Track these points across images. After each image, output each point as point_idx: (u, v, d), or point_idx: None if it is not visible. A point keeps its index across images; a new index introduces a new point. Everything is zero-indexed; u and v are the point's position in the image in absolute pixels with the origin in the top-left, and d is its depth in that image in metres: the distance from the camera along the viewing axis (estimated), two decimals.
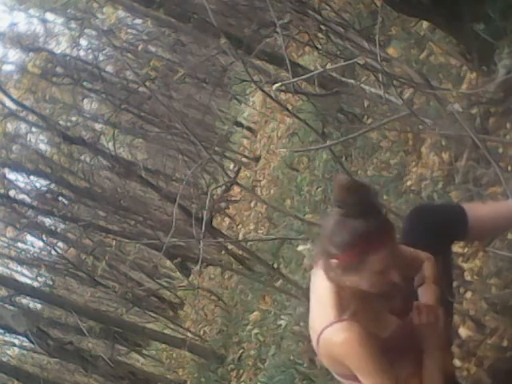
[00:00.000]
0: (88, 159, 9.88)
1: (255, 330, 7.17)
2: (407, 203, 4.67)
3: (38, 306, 11.41)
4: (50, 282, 12.16)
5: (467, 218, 2.64)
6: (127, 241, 9.06)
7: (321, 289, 2.30)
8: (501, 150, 3.72)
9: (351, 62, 3.71)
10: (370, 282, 2.19)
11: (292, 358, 5.58)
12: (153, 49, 11.64)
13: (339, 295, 2.24)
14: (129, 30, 10.64)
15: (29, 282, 12.59)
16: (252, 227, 10.26)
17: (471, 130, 2.67)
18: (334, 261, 2.17)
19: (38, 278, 12.25)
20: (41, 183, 10.02)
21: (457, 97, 4.05)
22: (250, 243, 8.98)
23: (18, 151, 10.31)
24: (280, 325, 6.28)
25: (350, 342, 2.17)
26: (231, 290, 9.68)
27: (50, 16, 12.96)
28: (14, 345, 11.65)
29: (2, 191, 9.39)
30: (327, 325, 2.22)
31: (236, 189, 11.92)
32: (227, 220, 12.32)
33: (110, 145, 8.78)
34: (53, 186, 9.83)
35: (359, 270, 2.16)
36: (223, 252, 8.69)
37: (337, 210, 2.16)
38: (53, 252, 10.68)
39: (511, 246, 3.21)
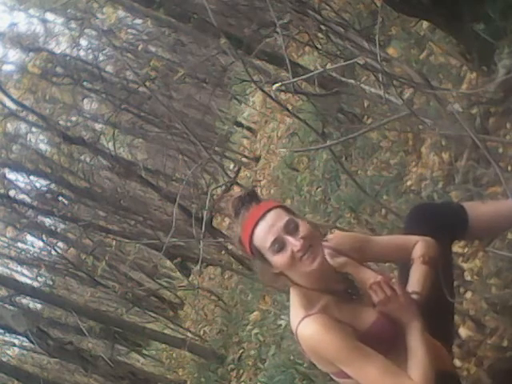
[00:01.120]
0: (88, 159, 9.88)
1: (255, 330, 7.17)
2: (407, 203, 4.67)
3: (38, 306, 11.42)
4: (50, 282, 12.16)
5: (467, 216, 2.64)
6: (127, 241, 9.07)
7: (291, 296, 2.31)
8: (501, 150, 3.72)
9: (351, 62, 3.71)
10: (303, 271, 2.21)
11: (292, 358, 5.57)
12: (153, 49, 11.65)
13: (306, 295, 2.25)
14: (129, 30, 10.64)
15: (29, 282, 12.59)
16: None
17: (471, 130, 2.67)
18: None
19: (38, 278, 12.24)
20: (41, 183, 10.03)
21: (457, 97, 4.05)
22: None
23: (18, 151, 10.31)
24: (280, 325, 6.28)
25: (319, 332, 2.16)
26: (231, 289, 9.68)
27: (50, 16, 12.99)
28: (14, 345, 11.65)
29: (2, 191, 9.39)
30: (298, 323, 2.22)
31: (236, 189, 11.92)
32: (227, 220, 12.32)
33: (110, 145, 8.79)
34: (53, 186, 9.83)
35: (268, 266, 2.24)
36: (223, 252, 8.69)
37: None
38: (53, 252, 10.69)
39: (511, 246, 3.21)
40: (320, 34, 5.18)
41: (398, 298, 2.24)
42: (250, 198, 2.28)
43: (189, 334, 9.24)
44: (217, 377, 8.09)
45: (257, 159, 12.52)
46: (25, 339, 8.55)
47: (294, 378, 5.31)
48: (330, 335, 2.15)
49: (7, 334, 10.09)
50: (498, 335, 3.00)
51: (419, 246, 2.47)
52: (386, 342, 2.22)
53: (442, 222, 2.57)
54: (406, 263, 2.49)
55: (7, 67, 11.45)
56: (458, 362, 2.97)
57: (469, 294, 3.32)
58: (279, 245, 2.18)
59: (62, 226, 11.55)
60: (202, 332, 9.66)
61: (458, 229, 2.65)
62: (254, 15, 6.39)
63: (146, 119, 11.18)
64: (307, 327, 2.19)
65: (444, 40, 4.65)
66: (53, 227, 11.20)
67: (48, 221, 11.24)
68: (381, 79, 3.85)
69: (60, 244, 11.95)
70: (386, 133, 5.44)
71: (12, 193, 9.65)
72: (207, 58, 7.40)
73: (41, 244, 12.10)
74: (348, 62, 3.99)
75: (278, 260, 2.20)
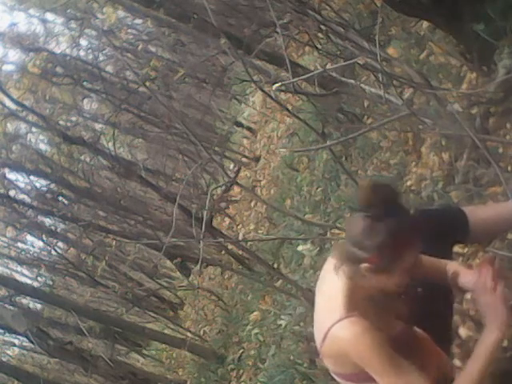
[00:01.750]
0: (88, 159, 9.87)
1: (255, 330, 7.16)
2: (407, 203, 4.67)
3: (38, 306, 11.40)
4: (50, 282, 12.16)
5: (468, 220, 2.65)
6: (127, 241, 9.07)
7: (333, 290, 2.28)
8: (501, 150, 3.72)
9: (351, 62, 3.71)
10: (398, 280, 2.19)
11: (292, 358, 5.57)
12: (153, 49, 11.64)
13: (351, 295, 2.23)
14: (129, 30, 10.64)
15: (29, 281, 12.59)
16: (252, 227, 10.26)
17: (471, 130, 2.67)
18: (365, 265, 2.15)
19: (38, 278, 12.25)
20: (41, 183, 10.02)
21: (457, 97, 4.05)
22: (249, 243, 8.98)
23: (18, 151, 10.29)
24: (280, 325, 6.28)
25: (359, 337, 2.15)
26: (231, 289, 9.68)
27: (50, 16, 12.97)
28: (14, 345, 11.66)
29: (2, 191, 9.38)
30: (335, 321, 2.21)
31: (236, 189, 11.93)
32: (227, 220, 12.32)
33: (110, 145, 8.78)
34: (53, 186, 9.82)
35: (389, 270, 2.17)
36: (223, 252, 8.69)
37: (362, 214, 2.16)
38: (53, 252, 10.68)
39: (511, 246, 3.21)
40: (320, 34, 5.18)
41: (498, 294, 2.22)
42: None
43: (189, 334, 9.24)
44: (217, 377, 8.09)
45: (257, 159, 12.52)
46: (25, 339, 8.55)
47: (294, 378, 5.31)
48: (369, 342, 2.15)
49: (7, 334, 10.08)
50: None
51: (452, 264, 2.49)
52: (404, 352, 2.22)
53: (443, 226, 2.58)
54: None
55: (7, 67, 11.44)
56: (457, 362, 2.97)
57: (469, 294, 3.32)
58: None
59: (61, 225, 11.54)
60: (202, 332, 9.66)
61: (458, 233, 2.66)
62: (254, 15, 6.39)
63: (146, 119, 11.18)
64: (346, 329, 2.18)
65: (444, 40, 4.65)
66: (53, 227, 11.18)
67: (48, 221, 11.23)
68: (381, 79, 3.86)
69: (60, 244, 11.95)
70: (386, 133, 5.44)
71: (12, 193, 9.64)
72: (207, 58, 7.40)
73: (41, 244, 12.09)
74: (348, 62, 3.99)
75: (402, 277, 2.20)
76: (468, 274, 2.37)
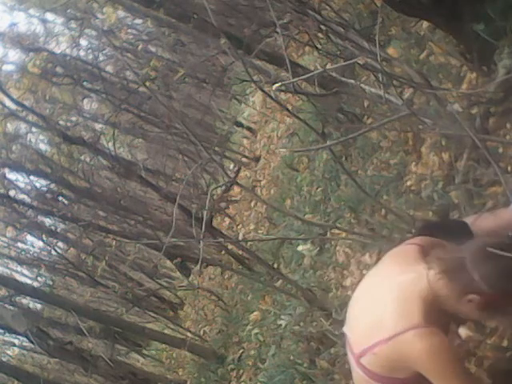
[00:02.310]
0: (88, 159, 9.87)
1: (255, 330, 7.16)
2: (407, 203, 4.67)
3: (38, 306, 11.40)
4: (50, 282, 12.16)
5: (471, 232, 2.66)
6: (127, 241, 9.07)
7: (408, 292, 2.26)
8: (501, 150, 3.72)
9: (351, 62, 3.71)
10: (479, 316, 2.24)
11: (292, 358, 5.57)
12: (153, 49, 11.64)
13: (431, 305, 2.22)
14: (129, 30, 10.64)
15: (29, 281, 12.59)
16: (252, 227, 10.26)
17: (471, 130, 2.67)
18: (474, 296, 2.15)
19: (38, 278, 12.25)
20: (41, 183, 10.01)
21: (457, 97, 4.05)
22: (250, 243, 8.98)
23: (18, 151, 10.29)
24: (280, 325, 6.28)
25: (437, 349, 2.16)
26: (231, 289, 9.68)
27: (50, 16, 12.97)
28: (14, 345, 11.66)
29: (2, 191, 9.38)
30: (410, 328, 2.18)
31: (236, 189, 11.93)
32: (227, 220, 12.32)
33: (110, 145, 8.78)
34: (53, 186, 9.82)
35: (495, 310, 2.18)
36: (223, 252, 8.69)
37: (496, 250, 2.10)
38: (53, 252, 10.68)
39: None
40: (320, 34, 5.18)
41: None
42: None
43: (189, 334, 9.24)
44: (217, 377, 8.09)
45: (257, 159, 12.51)
46: (25, 339, 8.55)
47: (294, 378, 5.32)
48: (447, 356, 2.17)
49: (7, 334, 10.08)
50: (497, 335, 3.01)
51: None
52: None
53: (448, 237, 2.58)
54: None
55: (7, 67, 11.44)
56: None
57: None
58: None
59: (62, 225, 11.54)
60: (202, 332, 9.66)
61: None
62: (254, 15, 6.38)
63: (146, 119, 11.18)
64: (424, 339, 2.17)
65: (444, 40, 4.66)
66: (53, 227, 11.18)
67: (48, 221, 11.23)
68: (381, 79, 3.86)
69: (60, 244, 11.95)
70: (386, 133, 5.44)
71: (12, 193, 9.64)
72: (207, 58, 7.41)
73: (41, 244, 12.09)
74: (348, 62, 3.99)
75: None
76: None
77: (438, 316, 2.22)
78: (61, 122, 9.80)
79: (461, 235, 2.65)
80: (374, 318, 2.32)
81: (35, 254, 12.65)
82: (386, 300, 2.31)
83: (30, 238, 12.42)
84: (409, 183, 4.88)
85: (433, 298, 2.22)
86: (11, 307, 8.18)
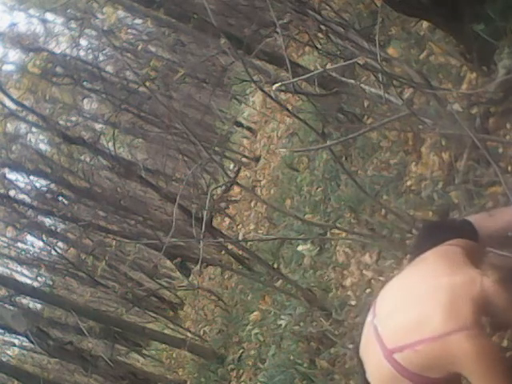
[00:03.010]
0: (88, 159, 9.87)
1: (255, 330, 7.16)
2: (407, 203, 4.67)
3: (38, 306, 11.40)
4: (50, 282, 12.16)
5: (476, 231, 2.66)
6: (127, 241, 9.07)
7: (458, 290, 2.26)
8: (501, 150, 3.72)
9: (351, 62, 3.71)
10: None
11: (292, 358, 5.58)
12: (153, 49, 11.64)
13: (482, 308, 2.23)
14: (129, 30, 10.64)
15: (29, 282, 12.59)
16: (252, 227, 10.26)
17: (471, 130, 2.67)
18: None
19: (38, 278, 12.25)
20: (41, 183, 10.01)
21: (457, 97, 4.05)
22: (250, 243, 8.98)
23: (18, 151, 10.29)
24: (280, 325, 6.28)
25: (487, 352, 2.18)
26: (231, 289, 9.68)
27: (49, 16, 12.97)
28: (14, 345, 11.66)
29: (2, 191, 9.38)
30: (461, 328, 2.19)
31: (236, 189, 11.93)
32: (227, 220, 12.32)
33: (110, 145, 8.78)
34: (53, 185, 9.82)
35: None
36: (223, 252, 8.69)
37: None
38: (53, 252, 10.68)
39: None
40: (320, 34, 5.18)
41: None
42: None
43: (189, 334, 9.24)
44: (217, 377, 8.09)
45: (257, 159, 12.51)
46: (25, 339, 8.55)
47: (294, 378, 5.32)
48: (494, 358, 2.20)
49: (7, 334, 10.09)
50: (498, 335, 3.00)
51: None
52: None
53: (452, 236, 2.59)
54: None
55: (7, 67, 11.44)
56: None
57: None
58: None
59: (62, 225, 11.54)
60: (202, 332, 9.66)
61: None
62: (254, 15, 6.39)
63: (145, 119, 11.18)
64: (474, 340, 2.18)
65: (444, 40, 4.65)
66: (53, 227, 11.18)
67: (48, 221, 11.23)
68: (381, 79, 3.86)
69: (60, 244, 11.95)
70: (386, 133, 5.44)
71: (12, 193, 9.64)
72: (207, 58, 7.40)
73: (41, 244, 12.09)
74: (348, 62, 3.99)
75: None
76: None
77: (483, 320, 2.25)
78: (61, 122, 9.81)
79: (467, 235, 2.65)
80: (416, 316, 2.32)
81: (35, 254, 12.65)
82: (432, 299, 2.30)
83: (30, 237, 12.43)
84: (409, 183, 4.88)
85: (483, 303, 2.23)
86: (11, 307, 8.18)
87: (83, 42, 11.20)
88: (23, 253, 13.21)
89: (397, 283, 2.55)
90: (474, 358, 2.18)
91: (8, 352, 12.13)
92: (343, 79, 4.63)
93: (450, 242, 2.53)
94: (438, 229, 2.77)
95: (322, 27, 4.77)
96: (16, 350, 12.23)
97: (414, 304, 2.35)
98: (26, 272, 14.54)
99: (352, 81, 4.66)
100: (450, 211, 4.08)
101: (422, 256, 2.54)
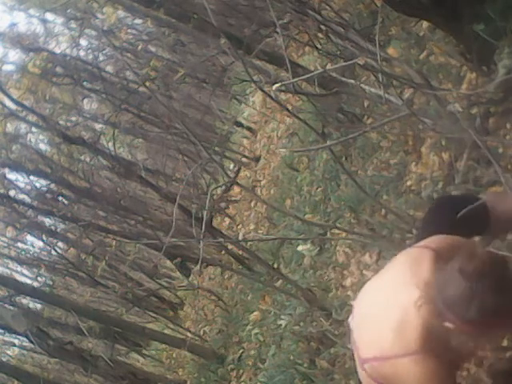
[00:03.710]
0: (88, 159, 9.87)
1: (255, 330, 7.16)
2: (407, 203, 4.67)
3: (38, 306, 11.40)
4: (50, 282, 12.15)
5: (489, 215, 2.61)
6: (127, 241, 9.07)
7: (407, 316, 2.18)
8: (501, 150, 3.72)
9: (351, 62, 3.71)
10: (478, 347, 2.20)
11: (292, 358, 5.58)
12: (153, 49, 11.64)
13: (428, 333, 2.15)
14: (129, 30, 10.63)
15: (29, 282, 12.59)
16: (252, 227, 10.26)
17: (471, 130, 2.67)
18: (449, 324, 2.07)
19: (38, 278, 12.24)
20: (41, 183, 10.01)
21: (457, 97, 4.05)
22: (250, 243, 8.98)
23: (18, 151, 10.29)
24: (280, 325, 6.28)
25: (429, 377, 2.15)
26: (231, 289, 9.68)
27: (49, 16, 12.97)
28: (14, 345, 11.65)
29: (2, 191, 9.38)
30: (408, 353, 2.17)
31: (236, 189, 11.92)
32: (227, 220, 12.31)
33: (110, 145, 8.78)
34: (53, 185, 9.82)
35: (471, 339, 2.12)
36: (223, 252, 8.69)
37: (465, 275, 2.00)
38: (53, 252, 10.68)
39: (511, 246, 3.21)
40: (320, 34, 5.18)
41: None
42: None
43: (189, 334, 9.24)
44: (217, 377, 8.09)
45: (257, 159, 12.51)
46: (25, 339, 8.55)
47: (294, 378, 5.32)
48: (446, 381, 2.17)
49: (7, 334, 10.09)
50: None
51: None
52: None
53: (465, 219, 2.50)
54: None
55: (7, 67, 11.44)
56: None
57: None
58: None
59: (62, 225, 11.54)
60: (202, 332, 9.65)
61: (480, 224, 2.62)
62: (254, 15, 6.39)
63: (146, 119, 11.17)
64: (418, 366, 2.15)
65: (444, 40, 4.66)
66: (53, 227, 11.18)
67: (48, 221, 11.23)
68: (381, 79, 3.85)
69: (60, 244, 11.95)
70: (386, 133, 5.44)
71: (12, 193, 9.64)
72: (207, 58, 7.40)
73: (41, 244, 12.09)
74: (348, 62, 3.99)
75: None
76: None
77: (436, 344, 2.15)
78: (61, 122, 9.80)
79: (478, 214, 2.57)
80: (374, 333, 2.30)
81: (35, 254, 12.65)
82: (387, 318, 2.25)
83: (30, 238, 12.43)
84: (409, 183, 4.88)
85: (430, 327, 2.14)
86: (11, 307, 8.18)
87: (83, 42, 11.21)
88: (23, 253, 13.21)
89: (371, 286, 2.49)
90: (422, 381, 2.16)
91: (8, 352, 12.14)
92: (343, 79, 4.63)
93: (423, 241, 2.39)
94: (451, 205, 2.67)
95: (322, 27, 4.77)
96: (16, 349, 12.23)
97: (377, 317, 2.32)
98: (26, 272, 14.55)
99: (352, 81, 4.66)
100: None
101: (397, 256, 2.46)
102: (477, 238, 2.64)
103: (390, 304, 2.26)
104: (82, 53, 10.72)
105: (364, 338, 2.36)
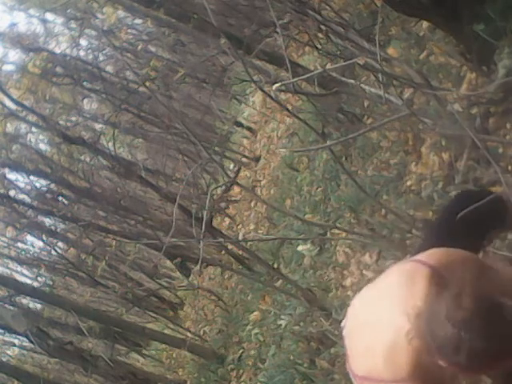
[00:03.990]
0: (88, 159, 9.87)
1: (255, 330, 7.17)
2: (407, 203, 4.68)
3: (38, 306, 11.40)
4: (50, 282, 12.15)
5: (507, 208, 2.58)
6: (127, 241, 9.07)
7: (399, 341, 2.08)
8: (501, 150, 3.72)
9: (351, 62, 3.72)
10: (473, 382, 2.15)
11: (292, 358, 5.58)
12: (153, 49, 11.64)
13: (420, 364, 2.07)
14: (129, 30, 10.63)
15: (29, 282, 12.59)
16: (252, 227, 10.26)
17: (471, 130, 2.67)
18: (441, 362, 1.98)
19: (38, 278, 12.24)
20: (41, 183, 10.02)
21: (457, 97, 4.05)
22: (250, 243, 8.98)
23: (18, 151, 10.29)
24: (280, 325, 6.28)
25: None
26: (231, 289, 9.68)
27: (49, 16, 12.97)
28: (14, 345, 11.66)
29: (2, 191, 9.38)
30: (396, 380, 2.12)
31: (236, 189, 11.92)
32: (227, 220, 12.31)
33: (110, 145, 8.78)
34: (53, 186, 9.83)
35: (464, 377, 2.06)
36: (223, 252, 8.69)
37: (452, 323, 1.88)
38: (53, 252, 10.68)
39: (511, 246, 3.21)
40: (320, 34, 5.18)
41: None
42: None
43: (189, 334, 9.24)
44: (217, 377, 8.09)
45: (257, 159, 12.51)
46: (25, 339, 8.55)
47: (294, 378, 5.32)
48: None
49: (7, 334, 10.09)
50: None
51: None
52: None
53: (483, 215, 2.45)
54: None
55: (7, 67, 11.44)
56: None
57: None
58: None
59: (61, 225, 11.54)
60: (202, 332, 9.66)
61: (497, 221, 2.59)
62: (254, 15, 6.38)
63: (146, 119, 11.17)
64: None
65: (444, 40, 4.66)
66: (53, 227, 11.18)
67: (48, 221, 11.23)
68: (381, 79, 3.85)
69: (60, 244, 11.95)
70: (386, 133, 5.44)
71: (12, 193, 9.64)
72: (207, 58, 7.40)
73: (41, 244, 12.09)
74: (348, 62, 3.99)
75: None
76: None
77: (428, 373, 2.08)
78: (61, 122, 9.80)
79: (496, 210, 2.50)
80: (367, 349, 2.24)
81: (35, 254, 12.65)
82: (380, 337, 2.17)
83: (30, 238, 12.43)
84: (409, 183, 4.88)
85: (420, 357, 2.05)
86: (11, 307, 8.18)
87: (83, 42, 11.20)
88: (23, 253, 13.21)
89: (366, 297, 2.41)
90: None
91: (8, 352, 12.14)
92: (343, 79, 4.63)
93: (420, 255, 2.26)
94: (470, 202, 2.50)
95: (322, 27, 4.77)
96: (16, 349, 12.23)
97: (367, 336, 2.25)
98: (26, 272, 14.55)
99: (352, 81, 4.66)
100: None
101: (393, 268, 2.34)
102: (481, 250, 2.57)
103: (383, 323, 2.19)
104: (82, 53, 10.73)
105: (354, 351, 2.32)
